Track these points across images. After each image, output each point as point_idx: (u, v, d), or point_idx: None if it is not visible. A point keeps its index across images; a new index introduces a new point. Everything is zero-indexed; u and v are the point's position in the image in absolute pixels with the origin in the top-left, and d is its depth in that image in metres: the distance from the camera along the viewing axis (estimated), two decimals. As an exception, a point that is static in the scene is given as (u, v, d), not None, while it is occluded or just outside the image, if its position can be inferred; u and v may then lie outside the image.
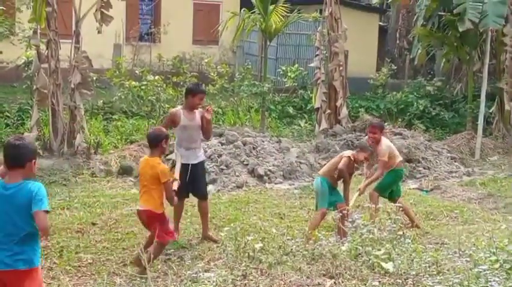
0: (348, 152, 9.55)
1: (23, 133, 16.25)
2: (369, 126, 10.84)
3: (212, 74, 19.14)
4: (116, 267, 8.13)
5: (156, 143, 7.65)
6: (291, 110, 21.42)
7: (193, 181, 8.94)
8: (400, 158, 10.35)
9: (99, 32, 15.03)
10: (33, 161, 5.11)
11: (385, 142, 10.13)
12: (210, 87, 18.84)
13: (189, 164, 8.84)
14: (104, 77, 18.08)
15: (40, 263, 5.26)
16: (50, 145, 14.85)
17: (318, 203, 9.33)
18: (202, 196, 9.28)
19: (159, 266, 7.97)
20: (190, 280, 5.70)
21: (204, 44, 26.26)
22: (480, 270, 5.12)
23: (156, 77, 17.14)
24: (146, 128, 17.60)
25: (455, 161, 16.70)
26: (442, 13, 20.60)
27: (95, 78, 16.21)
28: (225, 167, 14.01)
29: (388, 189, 10.29)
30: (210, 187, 13.26)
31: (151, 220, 7.63)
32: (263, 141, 15.25)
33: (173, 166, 8.80)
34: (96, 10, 14.93)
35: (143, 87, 16.97)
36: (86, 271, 8.10)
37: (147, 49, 24.43)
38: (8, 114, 17.87)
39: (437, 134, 20.65)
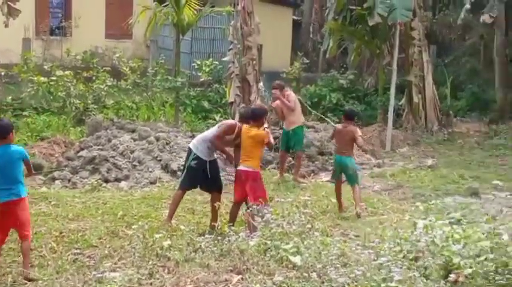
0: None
1: None
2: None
3: (124, 68, 18.89)
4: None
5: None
6: (206, 104, 21.29)
7: (212, 175, 9.69)
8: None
9: (6, 26, 14.62)
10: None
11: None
12: (122, 82, 18.60)
13: (207, 161, 9.61)
14: (12, 73, 17.57)
15: None
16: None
17: (354, 180, 10.94)
18: (220, 189, 9.88)
19: (67, 266, 7.79)
20: (95, 281, 5.60)
21: (117, 38, 25.78)
22: (381, 261, 5.23)
23: (66, 72, 16.80)
24: (57, 124, 17.20)
25: (366, 153, 17.03)
26: (353, 7, 20.93)
27: (2, 73, 15.74)
28: (137, 163, 13.85)
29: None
30: (122, 184, 13.11)
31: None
32: (176, 137, 15.13)
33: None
34: (2, 3, 14.53)
35: (52, 83, 16.61)
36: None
37: (58, 43, 23.90)
38: None
39: (349, 126, 20.92)
